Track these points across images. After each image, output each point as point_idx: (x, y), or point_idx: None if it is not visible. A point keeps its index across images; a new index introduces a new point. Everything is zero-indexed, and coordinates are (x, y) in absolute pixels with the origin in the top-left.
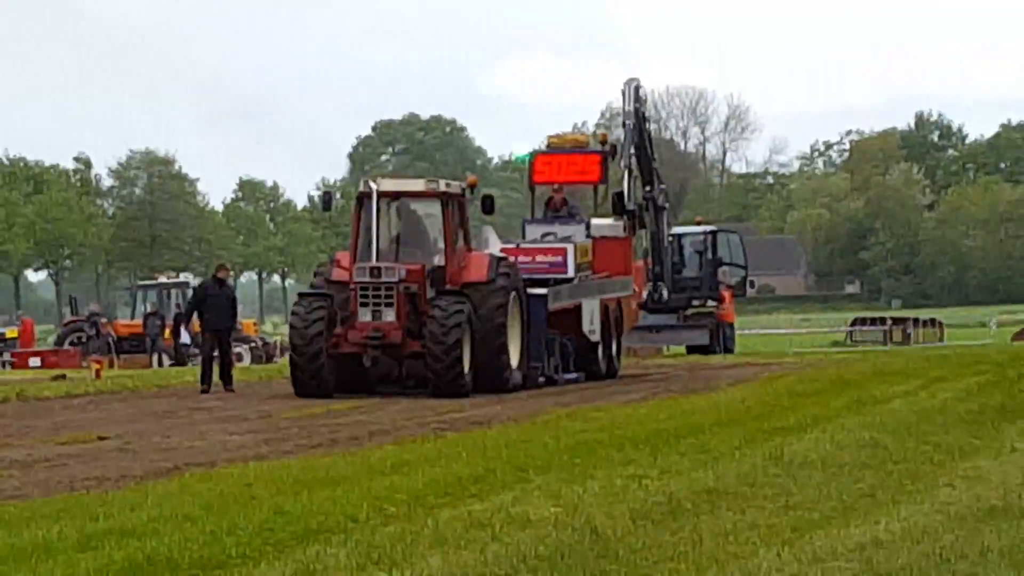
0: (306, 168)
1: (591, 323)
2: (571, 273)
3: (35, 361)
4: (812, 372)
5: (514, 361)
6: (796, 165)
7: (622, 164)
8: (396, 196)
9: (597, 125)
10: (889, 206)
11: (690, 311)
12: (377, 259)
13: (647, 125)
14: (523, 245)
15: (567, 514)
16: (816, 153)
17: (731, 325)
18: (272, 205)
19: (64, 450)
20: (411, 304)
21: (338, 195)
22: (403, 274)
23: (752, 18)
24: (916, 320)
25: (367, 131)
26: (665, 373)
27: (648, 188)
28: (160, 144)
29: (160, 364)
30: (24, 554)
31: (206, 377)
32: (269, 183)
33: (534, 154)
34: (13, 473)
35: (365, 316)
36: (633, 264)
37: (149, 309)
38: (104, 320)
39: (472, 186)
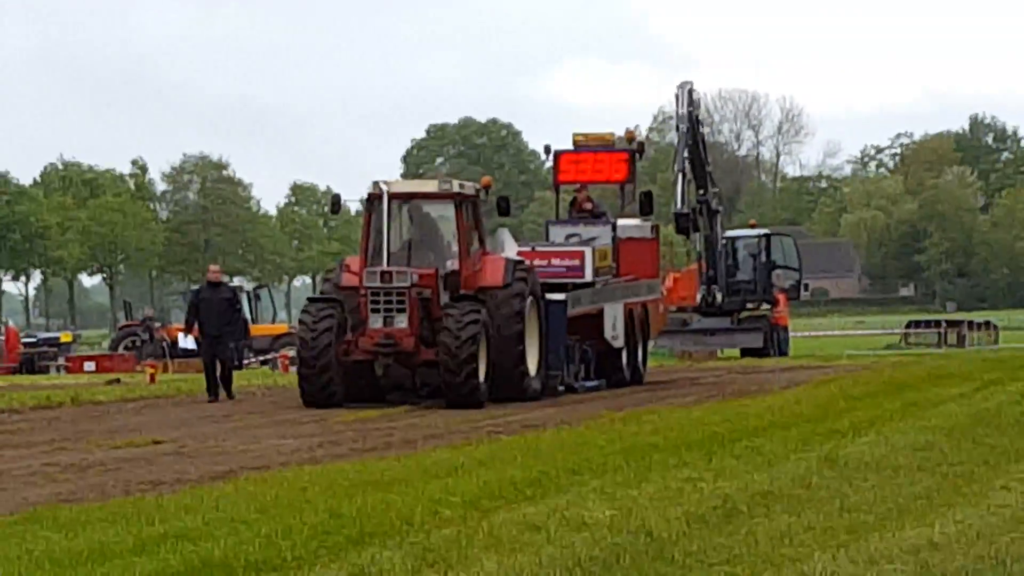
0: (360, 172)
1: (614, 328)
2: (589, 277)
3: (89, 365)
4: (866, 375)
5: (532, 369)
6: (848, 169)
7: (676, 167)
8: (408, 198)
9: (650, 129)
10: (943, 209)
11: (744, 314)
12: (388, 263)
13: (700, 129)
14: (539, 248)
15: (622, 517)
16: (868, 157)
17: (785, 328)
18: (326, 210)
19: (119, 454)
20: (424, 310)
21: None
22: (415, 279)
23: (804, 21)
24: (970, 323)
25: (421, 134)
26: (719, 376)
27: (702, 191)
28: (214, 149)
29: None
30: (80, 558)
31: (210, 385)
32: (323, 187)
33: (558, 152)
34: (68, 477)
35: (376, 322)
36: (687, 267)
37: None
38: (158, 324)
39: (486, 187)
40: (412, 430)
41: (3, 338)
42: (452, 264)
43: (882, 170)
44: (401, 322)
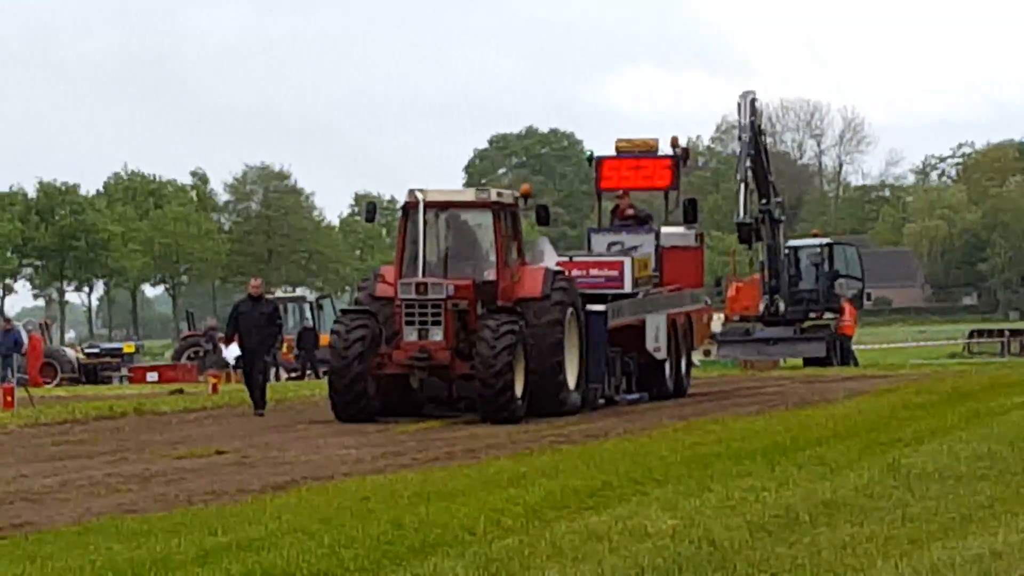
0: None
1: (656, 340)
2: (629, 288)
3: (152, 376)
4: (929, 384)
5: (571, 382)
6: (911, 178)
7: (738, 177)
8: (444, 206)
9: (712, 139)
10: (1006, 218)
11: (806, 323)
12: (424, 274)
13: (763, 138)
14: (577, 258)
15: (685, 526)
16: (930, 166)
17: (850, 338)
18: (388, 220)
19: (182, 464)
20: (460, 322)
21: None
22: (451, 290)
23: (866, 31)
24: None
25: (484, 145)
26: (781, 385)
27: (764, 201)
28: (276, 159)
29: (277, 378)
30: (143, 568)
31: (255, 399)
32: (387, 197)
33: (600, 159)
34: (131, 487)
35: (411, 335)
36: (750, 276)
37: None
38: (221, 335)
39: (526, 195)
40: (474, 440)
41: (27, 347)
42: (490, 275)
43: (945, 179)
44: (436, 335)
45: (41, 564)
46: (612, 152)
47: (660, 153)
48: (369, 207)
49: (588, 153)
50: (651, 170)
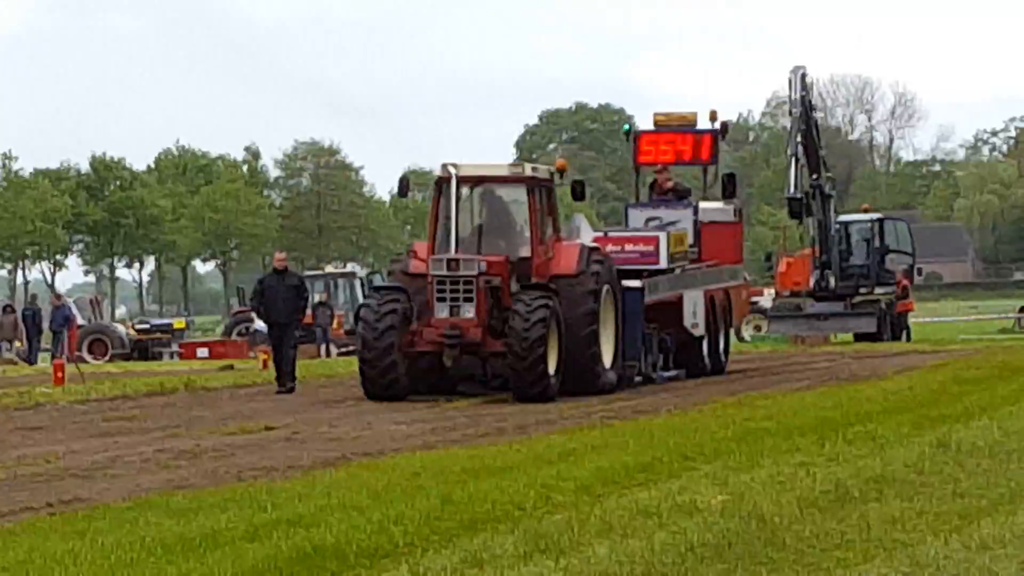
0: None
1: (694, 316)
2: (664, 264)
3: (203, 352)
4: (979, 359)
5: (607, 360)
6: (961, 153)
7: (789, 152)
8: (478, 181)
9: (763, 114)
10: None
11: (857, 299)
12: (456, 250)
13: (813, 113)
14: (612, 233)
15: (734, 502)
16: (981, 141)
17: (906, 315)
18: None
19: (232, 440)
20: (493, 299)
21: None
22: (483, 267)
23: (916, 5)
24: None
25: (534, 120)
26: (832, 360)
27: (815, 176)
28: (326, 135)
29: (328, 354)
30: (192, 544)
31: (281, 375)
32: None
33: (638, 133)
34: (181, 463)
35: (442, 312)
36: (800, 252)
37: (317, 299)
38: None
39: (561, 170)
40: (524, 415)
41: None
42: (524, 251)
43: (996, 154)
44: (468, 312)
45: (91, 540)
46: (651, 126)
47: (699, 127)
48: (402, 182)
49: (626, 127)
50: (690, 144)
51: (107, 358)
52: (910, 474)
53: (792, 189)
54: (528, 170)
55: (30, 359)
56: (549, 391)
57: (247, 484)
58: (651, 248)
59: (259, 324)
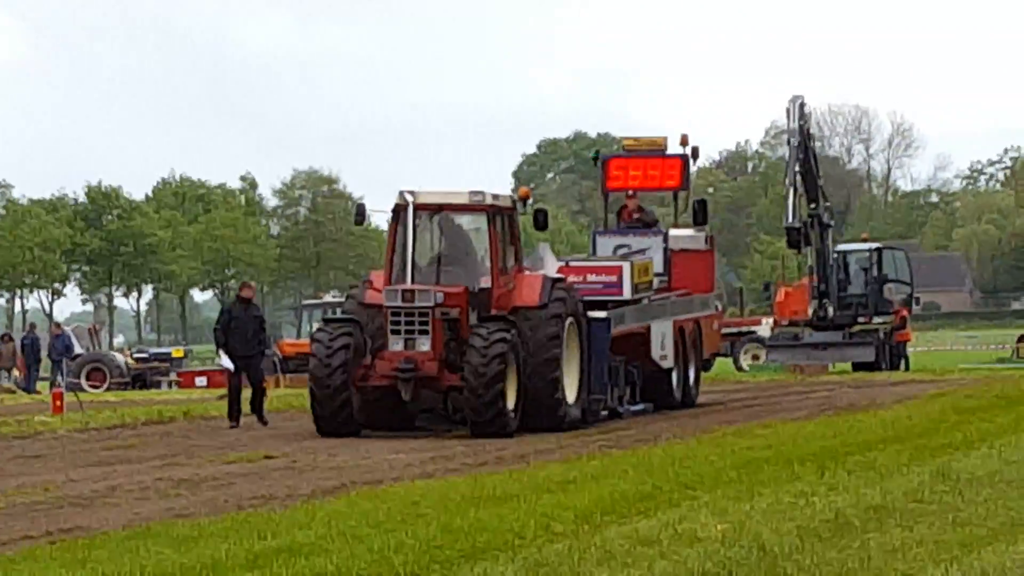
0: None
1: (662, 348)
2: (628, 294)
3: (201, 380)
4: (978, 389)
5: (570, 395)
6: (957, 184)
7: (787, 181)
8: (437, 209)
9: (762, 143)
10: None
11: (855, 328)
12: (413, 280)
13: (812, 142)
14: (573, 263)
15: (735, 531)
16: (977, 171)
17: (904, 344)
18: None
19: (231, 469)
20: (451, 331)
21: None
22: (440, 298)
23: (913, 36)
24: None
25: (532, 149)
26: (831, 390)
27: (813, 205)
28: (324, 164)
29: None
30: (192, 572)
31: (232, 410)
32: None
33: (606, 157)
34: (181, 492)
35: (396, 344)
36: (798, 281)
37: (315, 328)
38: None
39: (524, 198)
40: (524, 445)
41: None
42: (485, 282)
43: (993, 183)
44: (423, 344)
45: (91, 569)
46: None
47: (669, 152)
48: (359, 209)
49: (594, 152)
50: (660, 170)
51: (105, 387)
52: (910, 503)
53: (791, 218)
54: (489, 198)
55: (29, 388)
56: (507, 428)
57: (247, 513)
58: (614, 278)
59: (226, 360)
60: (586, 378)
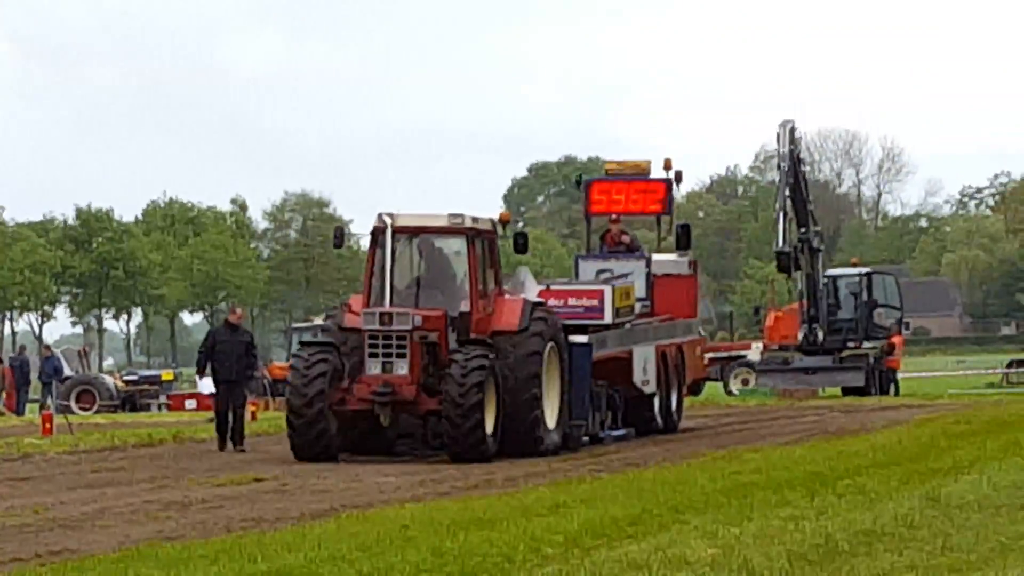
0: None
1: (644, 372)
2: (609, 318)
3: (191, 403)
4: (968, 414)
5: (551, 420)
6: (947, 209)
7: (777, 206)
8: (416, 232)
9: (751, 167)
10: None
11: (845, 353)
12: (391, 303)
13: (802, 167)
14: (555, 287)
15: (724, 555)
16: (967, 196)
17: (895, 370)
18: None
19: (221, 491)
20: (430, 355)
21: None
22: (419, 321)
23: (904, 61)
24: None
25: (523, 173)
26: (820, 415)
27: (803, 230)
28: (315, 187)
29: None
30: None
31: (221, 434)
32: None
33: (589, 181)
34: (170, 515)
35: (374, 368)
36: (788, 306)
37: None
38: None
39: (504, 222)
40: (514, 468)
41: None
42: (463, 305)
43: (983, 208)
44: (401, 368)
45: None
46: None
47: (652, 176)
48: (337, 232)
49: (577, 176)
50: (643, 194)
51: (95, 409)
52: (900, 528)
53: (780, 243)
54: (468, 220)
55: (18, 410)
56: (486, 453)
57: (236, 535)
58: (595, 302)
59: (203, 383)
60: (567, 403)
